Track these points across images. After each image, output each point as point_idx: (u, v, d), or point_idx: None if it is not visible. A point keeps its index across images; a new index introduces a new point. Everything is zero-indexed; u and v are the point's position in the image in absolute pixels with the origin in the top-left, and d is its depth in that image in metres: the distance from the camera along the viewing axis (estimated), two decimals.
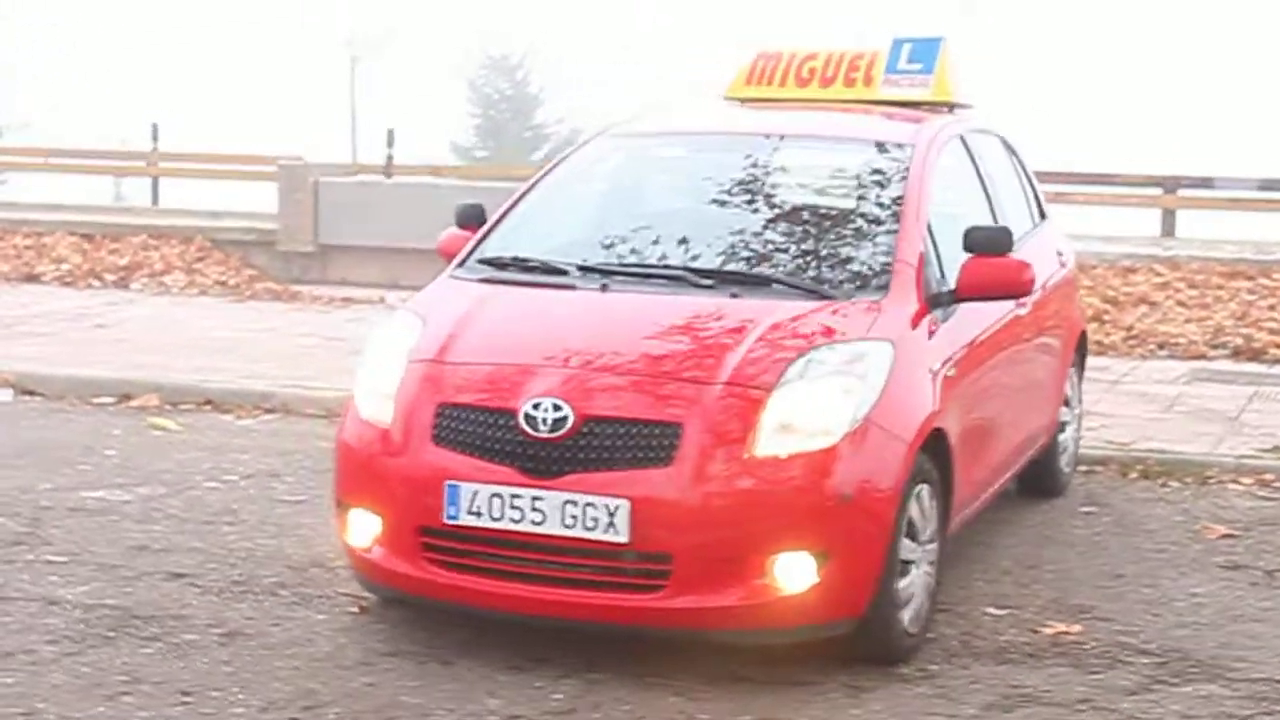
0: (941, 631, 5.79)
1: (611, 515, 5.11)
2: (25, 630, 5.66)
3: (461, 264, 6.26)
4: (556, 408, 5.24)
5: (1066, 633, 5.84)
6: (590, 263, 6.04)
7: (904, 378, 5.49)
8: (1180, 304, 13.55)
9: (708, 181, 6.47)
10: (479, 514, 5.25)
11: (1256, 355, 11.73)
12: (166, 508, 7.31)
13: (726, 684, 5.26)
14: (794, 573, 5.15)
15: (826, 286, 5.79)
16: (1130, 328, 12.50)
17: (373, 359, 5.83)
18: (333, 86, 58.90)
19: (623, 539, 5.11)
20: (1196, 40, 57.70)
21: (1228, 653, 5.67)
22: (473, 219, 6.57)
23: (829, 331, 5.52)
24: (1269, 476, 8.13)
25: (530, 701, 5.11)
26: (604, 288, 5.85)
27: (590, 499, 5.13)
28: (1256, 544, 7.07)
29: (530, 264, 6.13)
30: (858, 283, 5.81)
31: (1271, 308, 13.32)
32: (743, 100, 7.63)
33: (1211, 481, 8.11)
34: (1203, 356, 11.66)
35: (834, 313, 5.64)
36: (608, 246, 6.18)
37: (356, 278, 16.87)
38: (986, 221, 6.64)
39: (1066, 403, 7.80)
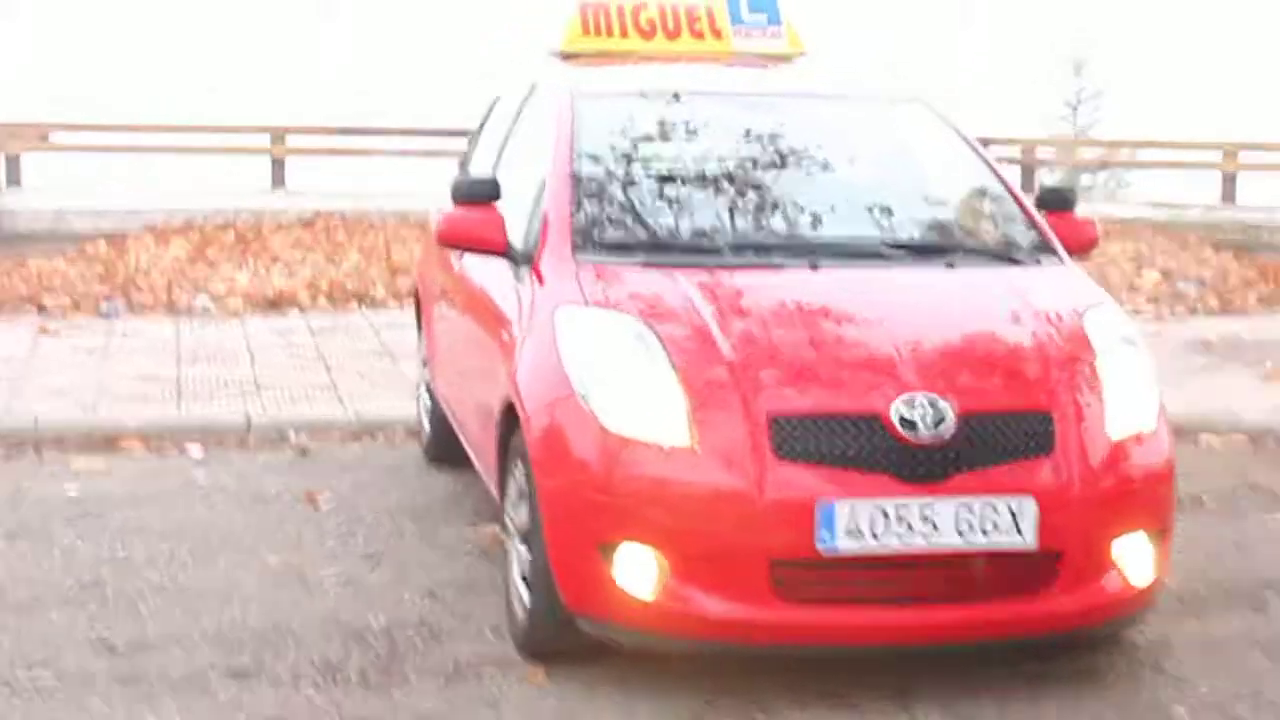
0: None
1: (1015, 515, 4.64)
2: None
3: (579, 248, 5.26)
4: (933, 405, 4.64)
5: None
6: (737, 240, 5.38)
7: None
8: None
9: (757, 144, 5.85)
10: (859, 535, 4.55)
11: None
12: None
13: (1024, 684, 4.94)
14: (1144, 555, 4.97)
15: (1012, 250, 5.59)
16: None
17: (611, 369, 4.81)
18: None
19: (1028, 540, 4.66)
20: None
21: None
22: (489, 194, 5.59)
23: (1075, 297, 5.33)
24: None
25: None
26: (814, 267, 5.21)
27: (991, 500, 4.62)
28: None
29: (675, 245, 5.32)
30: (1027, 245, 5.65)
31: None
32: (580, 54, 6.97)
33: None
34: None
35: (1055, 277, 5.49)
36: (729, 222, 5.49)
37: None
38: None
39: None
